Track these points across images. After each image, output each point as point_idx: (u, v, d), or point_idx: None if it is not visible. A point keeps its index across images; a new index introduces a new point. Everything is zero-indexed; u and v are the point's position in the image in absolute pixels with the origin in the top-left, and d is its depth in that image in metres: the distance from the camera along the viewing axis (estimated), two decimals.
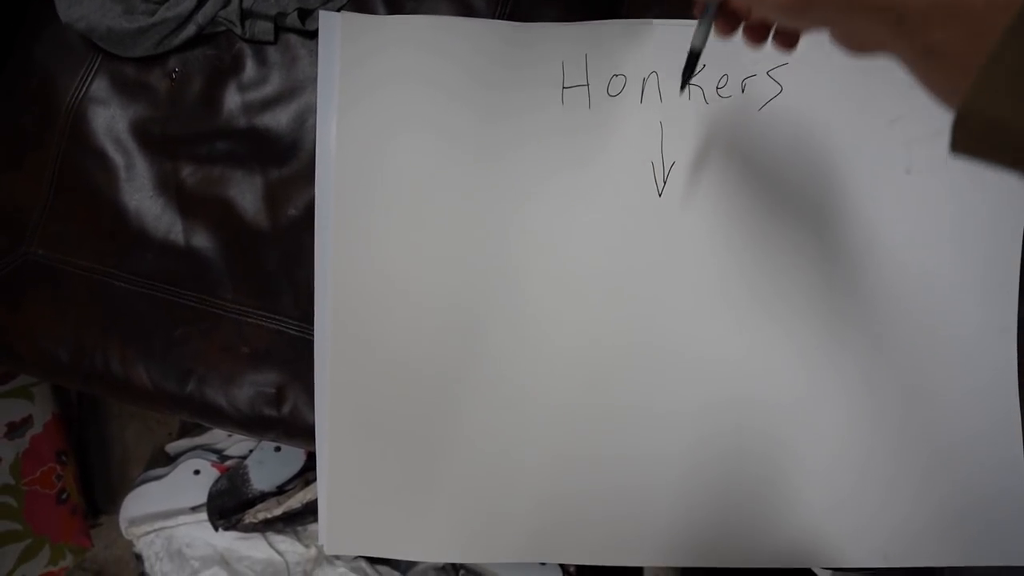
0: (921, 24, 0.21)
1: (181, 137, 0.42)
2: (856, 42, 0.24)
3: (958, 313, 0.40)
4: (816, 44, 0.41)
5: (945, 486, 0.39)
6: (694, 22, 0.42)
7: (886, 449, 0.39)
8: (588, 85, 0.40)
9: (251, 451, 0.66)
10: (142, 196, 0.41)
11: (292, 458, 0.64)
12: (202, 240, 0.41)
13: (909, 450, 0.39)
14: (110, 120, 0.42)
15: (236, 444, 0.67)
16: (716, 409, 0.39)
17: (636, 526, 0.39)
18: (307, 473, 0.65)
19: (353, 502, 0.39)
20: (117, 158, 0.42)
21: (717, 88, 0.41)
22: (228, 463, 0.66)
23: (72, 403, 0.70)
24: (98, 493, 0.72)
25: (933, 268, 0.40)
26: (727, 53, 0.41)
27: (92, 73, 0.42)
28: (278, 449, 0.64)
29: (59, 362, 0.41)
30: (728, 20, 0.30)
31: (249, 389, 0.41)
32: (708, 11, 0.31)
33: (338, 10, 0.41)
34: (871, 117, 0.40)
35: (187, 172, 0.42)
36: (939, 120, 0.43)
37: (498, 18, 0.42)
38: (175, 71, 0.42)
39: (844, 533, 0.39)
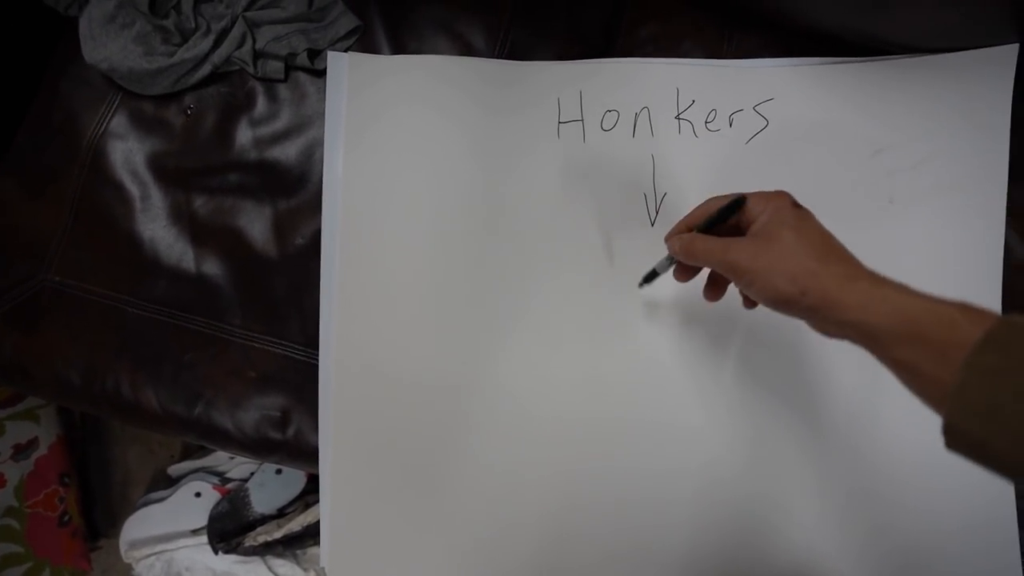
0: (890, 342, 0.25)
1: (194, 169, 0.44)
2: (831, 335, 0.28)
3: None
4: (799, 85, 0.43)
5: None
6: (680, 60, 0.45)
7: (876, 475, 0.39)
8: (583, 120, 0.42)
9: (252, 473, 0.66)
10: (156, 226, 0.43)
11: (293, 480, 0.65)
12: (212, 268, 0.43)
13: (894, 500, 0.39)
14: (128, 153, 0.44)
15: (238, 467, 0.67)
16: (700, 475, 0.40)
17: (634, 571, 0.39)
18: (307, 496, 0.65)
19: (356, 527, 0.40)
20: (134, 189, 0.43)
21: (706, 123, 0.43)
22: (229, 485, 0.66)
23: (76, 425, 0.71)
24: (99, 515, 0.72)
25: None
26: (716, 89, 0.43)
27: (113, 109, 0.44)
28: (279, 471, 0.64)
29: (71, 385, 0.43)
30: (687, 271, 0.35)
31: (255, 412, 0.42)
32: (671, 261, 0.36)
33: (345, 51, 0.44)
34: (854, 149, 0.42)
35: (199, 203, 0.43)
36: (920, 152, 0.45)
37: (497, 57, 0.44)
38: (190, 107, 0.44)
39: (839, 556, 0.39)
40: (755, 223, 0.30)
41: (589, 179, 0.42)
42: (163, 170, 0.44)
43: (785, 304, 0.29)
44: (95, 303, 0.43)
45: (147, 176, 0.44)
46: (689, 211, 0.34)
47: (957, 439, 0.23)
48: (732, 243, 0.30)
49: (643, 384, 0.40)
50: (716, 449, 0.40)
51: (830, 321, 0.27)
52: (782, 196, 0.30)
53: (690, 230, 0.33)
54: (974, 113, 0.41)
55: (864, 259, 0.41)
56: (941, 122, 0.41)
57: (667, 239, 0.34)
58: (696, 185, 0.42)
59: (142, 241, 0.43)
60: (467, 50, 0.44)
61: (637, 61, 0.44)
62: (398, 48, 0.44)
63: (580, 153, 0.42)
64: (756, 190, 0.32)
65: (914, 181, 0.42)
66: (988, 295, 0.41)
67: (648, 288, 0.39)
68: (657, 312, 0.41)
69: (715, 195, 0.33)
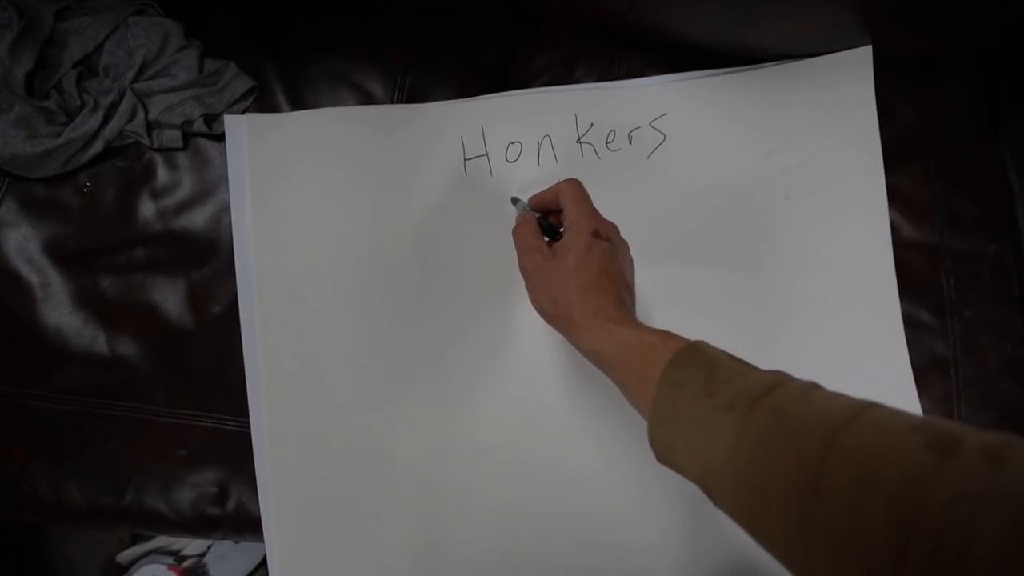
0: (610, 365, 0.30)
1: (97, 249, 0.42)
2: (583, 355, 0.33)
3: (850, 320, 0.43)
4: (688, 98, 0.45)
5: None
6: (575, 86, 0.47)
7: None
8: (488, 155, 0.43)
9: (210, 546, 0.64)
10: (61, 313, 0.41)
11: (253, 547, 0.62)
12: (128, 348, 0.41)
13: None
14: (21, 241, 0.42)
15: (193, 542, 0.64)
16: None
17: None
18: None
19: None
20: (32, 278, 0.41)
21: (607, 143, 0.45)
22: (186, 564, 0.63)
23: (9, 527, 0.66)
24: None
25: (821, 282, 0.44)
26: (612, 110, 0.45)
27: (0, 197, 0.42)
28: (237, 540, 0.62)
29: None
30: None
31: (190, 491, 0.41)
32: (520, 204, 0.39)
33: (243, 112, 0.43)
34: (746, 153, 0.45)
35: (107, 283, 0.42)
36: (804, 150, 0.48)
37: (396, 102, 0.45)
38: (86, 185, 0.43)
39: None
40: (561, 240, 0.34)
41: (500, 212, 0.43)
42: (63, 254, 0.42)
43: (543, 317, 0.34)
44: None
45: (45, 262, 0.42)
46: (551, 188, 0.37)
47: (656, 447, 0.27)
48: (533, 249, 0.34)
49: (567, 418, 0.41)
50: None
51: (573, 343, 0.32)
52: (587, 221, 0.34)
53: (544, 204, 0.37)
54: (844, 110, 0.45)
55: (769, 252, 0.44)
56: (818, 121, 0.45)
57: (530, 199, 0.38)
58: (605, 204, 0.43)
59: (47, 331, 0.41)
60: (366, 99, 0.45)
61: (534, 92, 0.46)
62: (297, 103, 0.44)
63: (488, 187, 0.43)
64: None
65: (804, 177, 0.45)
66: (882, 272, 0.44)
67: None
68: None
69: (573, 180, 0.36)
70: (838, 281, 0.44)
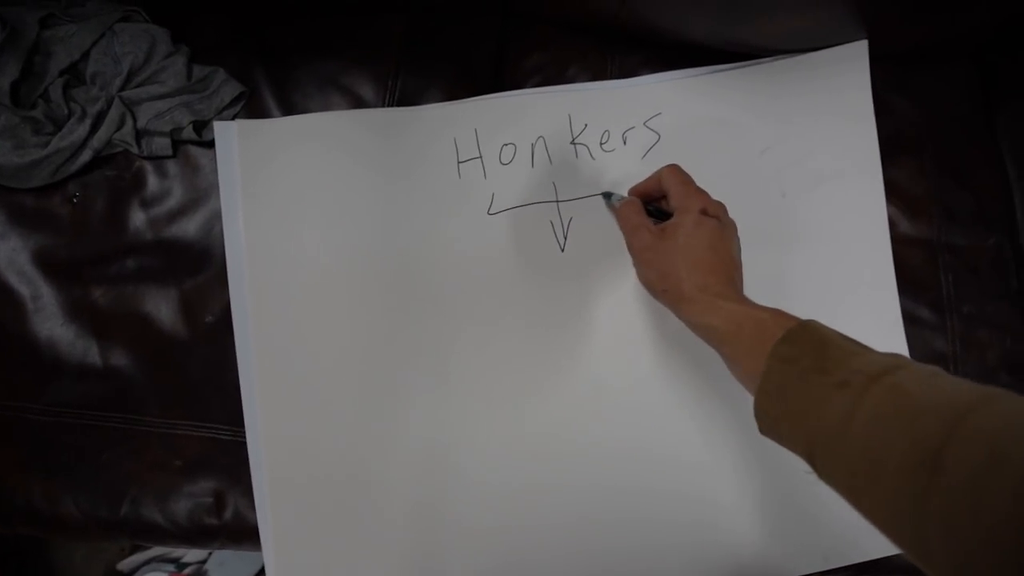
0: (720, 340, 0.31)
1: (88, 260, 0.42)
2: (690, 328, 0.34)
3: (849, 318, 0.42)
4: (682, 97, 0.45)
5: None
6: (569, 87, 0.46)
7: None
8: (481, 157, 0.43)
9: (210, 553, 0.63)
10: (53, 324, 0.41)
11: (254, 555, 0.62)
12: (121, 359, 0.41)
13: None
14: (11, 253, 0.41)
15: (193, 549, 0.64)
16: (643, 458, 0.40)
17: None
18: None
19: None
20: (22, 290, 0.41)
21: (601, 144, 0.44)
22: (187, 571, 0.63)
23: (10, 537, 0.66)
24: None
25: (820, 279, 0.44)
26: (606, 110, 0.44)
27: None
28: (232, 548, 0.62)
29: None
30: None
31: (187, 502, 0.41)
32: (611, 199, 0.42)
33: (233, 118, 0.43)
34: (743, 151, 0.44)
35: (98, 294, 0.41)
36: (800, 148, 0.48)
37: (387, 106, 0.44)
38: (76, 195, 0.42)
39: (784, 545, 0.40)
40: (670, 219, 0.35)
41: (495, 215, 0.42)
42: (53, 265, 0.41)
43: (650, 292, 0.36)
44: None
45: (35, 274, 0.41)
46: (651, 176, 0.39)
47: (761, 419, 0.28)
48: (641, 228, 0.36)
49: (576, 410, 0.41)
50: (654, 463, 0.40)
51: (681, 317, 0.34)
52: (695, 199, 0.35)
53: (647, 193, 0.39)
54: (841, 105, 0.44)
55: (769, 251, 0.44)
56: (813, 117, 0.44)
57: (630, 190, 0.40)
58: (600, 206, 0.43)
59: (39, 343, 0.40)
60: (357, 102, 0.44)
61: (527, 92, 0.45)
62: (287, 108, 0.44)
63: (483, 190, 0.42)
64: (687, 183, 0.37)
65: (800, 174, 0.44)
66: (881, 268, 0.44)
67: (560, 316, 0.41)
68: (579, 335, 0.41)
69: (674, 164, 0.38)
70: (836, 279, 0.44)
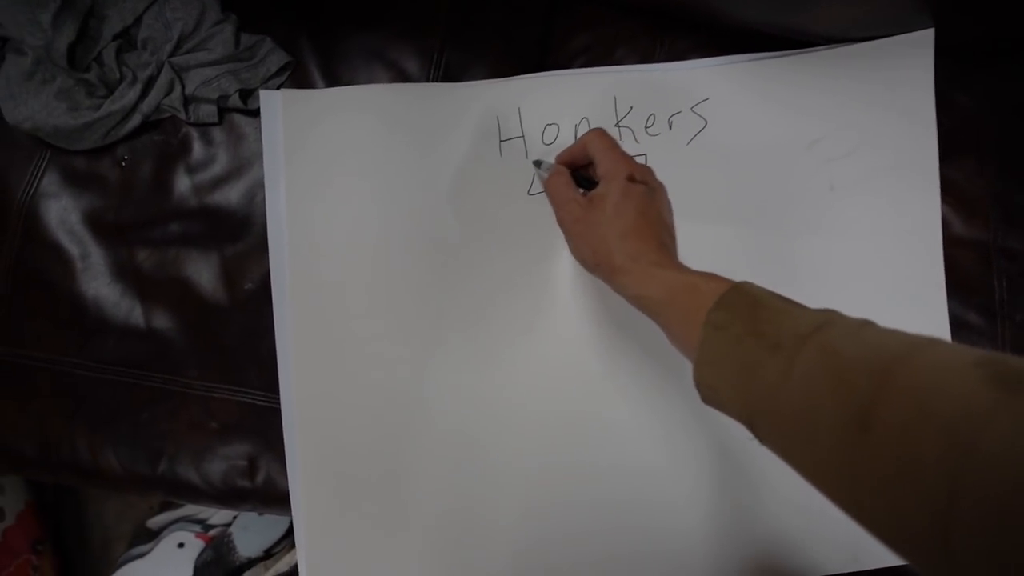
0: (655, 310, 0.30)
1: (134, 222, 0.43)
2: (628, 301, 0.33)
3: (893, 318, 0.41)
4: (732, 84, 0.44)
5: None
6: (615, 68, 0.45)
7: None
8: (524, 136, 0.42)
9: (235, 517, 0.65)
10: (99, 284, 0.42)
11: (277, 520, 0.64)
12: (163, 321, 0.42)
13: None
14: (63, 213, 0.43)
15: (219, 512, 0.66)
16: (689, 450, 0.40)
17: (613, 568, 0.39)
18: (293, 534, 0.64)
19: (334, 566, 0.39)
20: (72, 249, 0.42)
21: (646, 127, 0.43)
22: (212, 532, 0.65)
23: (48, 489, 0.69)
24: None
25: (865, 276, 0.42)
26: (652, 94, 0.43)
27: (42, 168, 0.43)
28: (263, 513, 0.63)
29: (24, 456, 0.41)
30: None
31: (221, 463, 0.42)
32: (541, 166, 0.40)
33: (278, 88, 0.43)
34: (791, 141, 0.43)
35: (143, 256, 0.42)
36: (853, 140, 0.46)
37: (432, 81, 0.44)
38: (124, 159, 0.43)
39: (814, 543, 0.40)
40: (596, 188, 0.34)
41: (535, 195, 0.42)
42: (102, 226, 0.43)
43: (585, 267, 0.35)
44: (41, 369, 0.41)
45: (85, 234, 0.42)
46: (576, 141, 0.37)
47: (701, 388, 0.27)
48: (569, 201, 0.35)
49: (610, 384, 0.40)
50: (686, 460, 0.40)
51: (618, 291, 0.32)
52: (620, 166, 0.34)
53: (573, 159, 0.37)
54: (900, 98, 0.42)
55: (813, 247, 0.43)
56: (870, 109, 0.42)
57: (557, 156, 0.39)
58: None
59: (86, 301, 0.42)
60: (401, 76, 0.44)
61: (572, 73, 0.44)
62: (331, 80, 0.44)
63: (523, 169, 0.42)
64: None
65: (851, 168, 0.43)
66: (930, 270, 0.43)
67: (603, 298, 0.40)
68: (614, 316, 0.41)
69: (599, 129, 0.36)
70: (882, 277, 0.42)
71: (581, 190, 0.36)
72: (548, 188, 0.37)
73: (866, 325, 0.23)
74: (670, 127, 0.43)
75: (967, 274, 0.43)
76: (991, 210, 0.44)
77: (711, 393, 0.27)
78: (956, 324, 0.42)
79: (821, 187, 0.43)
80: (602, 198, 0.33)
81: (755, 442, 0.25)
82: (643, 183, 0.33)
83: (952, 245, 0.43)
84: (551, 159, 0.40)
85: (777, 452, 0.24)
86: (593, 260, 0.33)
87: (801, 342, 0.23)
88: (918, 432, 0.19)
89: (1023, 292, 0.43)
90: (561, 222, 0.36)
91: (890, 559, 0.40)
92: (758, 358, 0.24)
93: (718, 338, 0.26)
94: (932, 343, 0.21)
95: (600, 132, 0.36)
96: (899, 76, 0.42)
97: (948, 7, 0.40)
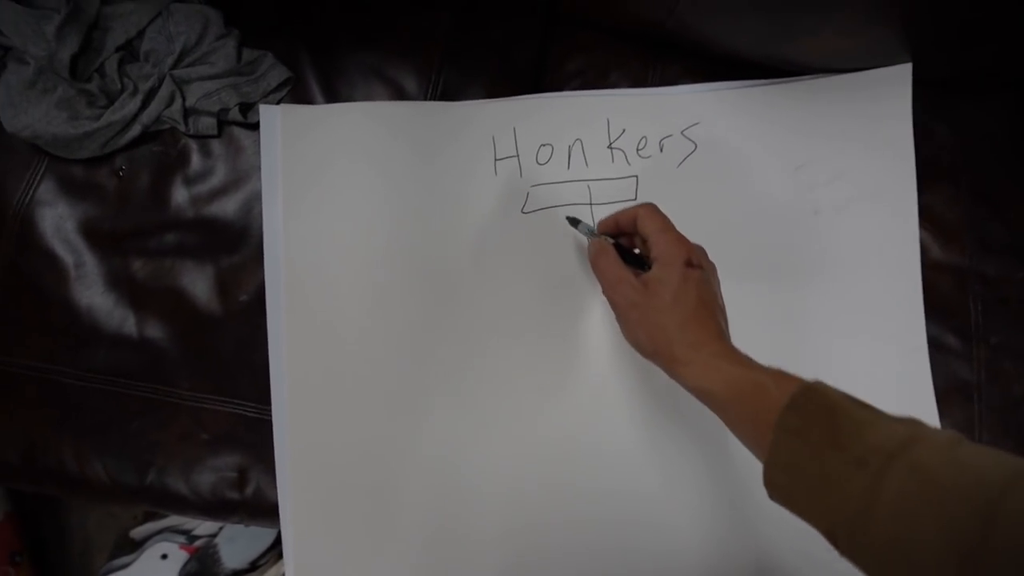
0: (720, 405, 0.30)
1: (130, 232, 0.43)
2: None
3: (874, 340, 0.43)
4: (721, 109, 0.45)
5: None
6: (608, 91, 0.47)
7: None
8: (518, 156, 0.43)
9: (221, 528, 0.65)
10: (93, 293, 0.42)
11: (263, 531, 0.63)
12: (155, 331, 0.42)
13: None
14: (58, 221, 0.43)
15: (204, 523, 0.65)
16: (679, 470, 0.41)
17: None
18: (280, 546, 0.63)
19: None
20: (66, 257, 0.42)
21: (638, 150, 0.45)
22: (197, 543, 0.64)
23: (27, 498, 0.68)
24: None
25: (847, 298, 0.44)
26: (644, 117, 0.45)
27: (39, 176, 0.43)
28: (248, 525, 0.63)
29: (9, 465, 0.41)
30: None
31: (210, 475, 0.41)
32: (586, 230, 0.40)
33: (278, 103, 0.44)
34: (777, 166, 0.45)
35: (137, 266, 0.43)
36: (835, 167, 0.48)
37: (429, 99, 0.45)
38: (122, 168, 0.44)
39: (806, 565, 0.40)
40: (650, 271, 0.33)
41: (529, 214, 0.43)
42: (97, 235, 0.43)
43: (640, 353, 0.34)
44: (29, 377, 0.41)
45: (80, 243, 0.42)
46: (625, 211, 0.36)
47: (774, 491, 0.27)
48: (622, 282, 0.34)
49: (597, 413, 0.41)
50: (678, 472, 0.41)
51: (676, 380, 0.32)
52: (679, 249, 0.33)
53: (618, 227, 0.37)
54: (880, 128, 0.44)
55: (795, 270, 0.44)
56: (851, 137, 0.44)
57: (600, 223, 0.38)
58: None
59: (79, 310, 0.42)
60: (399, 94, 0.45)
61: (567, 95, 0.46)
62: (331, 96, 0.44)
63: (518, 188, 0.43)
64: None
65: (833, 194, 0.44)
66: (909, 293, 0.44)
67: (601, 319, 0.41)
68: (604, 342, 0.42)
69: (651, 204, 0.35)
70: (863, 300, 0.43)
71: (634, 270, 0.34)
72: (596, 265, 0.35)
73: (958, 444, 0.23)
74: (661, 150, 0.45)
75: (944, 297, 0.45)
76: (967, 236, 0.46)
77: (785, 496, 0.26)
78: (934, 346, 0.43)
79: (806, 211, 0.44)
80: (660, 283, 0.32)
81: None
82: (699, 267, 0.33)
83: (930, 269, 0.44)
84: (588, 223, 0.39)
85: (864, 571, 0.23)
86: (651, 347, 0.32)
87: (888, 460, 0.23)
88: None
89: (996, 316, 0.44)
90: (614, 305, 0.34)
91: None
92: (841, 473, 0.23)
93: (792, 444, 0.25)
94: None
95: (653, 208, 0.34)
96: (878, 107, 0.44)
97: (926, 45, 0.42)
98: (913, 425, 0.24)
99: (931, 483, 0.22)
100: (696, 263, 0.33)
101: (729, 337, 0.32)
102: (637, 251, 0.37)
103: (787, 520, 0.26)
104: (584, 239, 0.40)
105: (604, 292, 0.35)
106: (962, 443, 0.23)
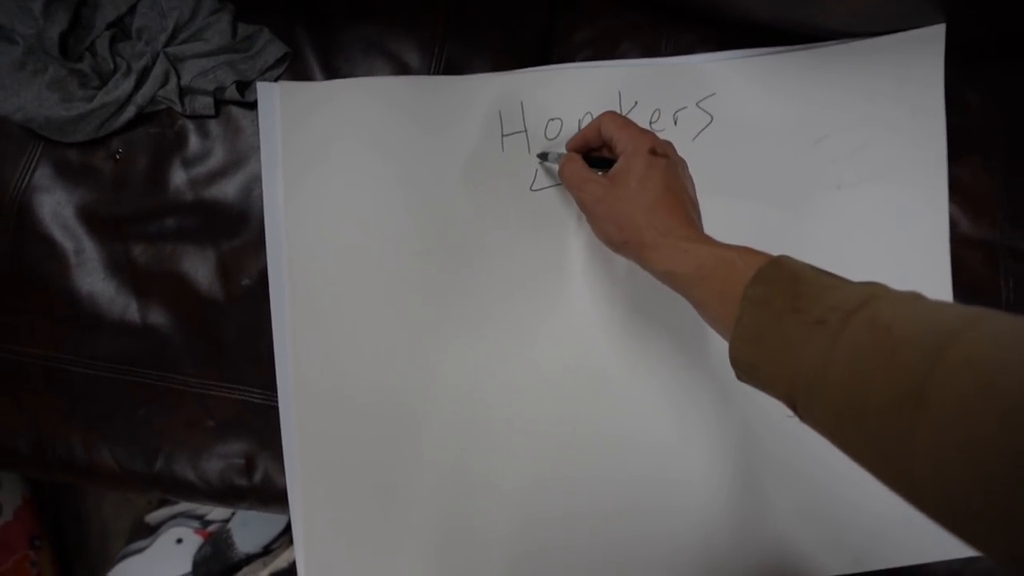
0: (687, 285, 0.29)
1: (129, 217, 0.42)
2: (657, 278, 0.32)
3: None
4: (738, 79, 0.43)
5: None
6: (619, 62, 0.45)
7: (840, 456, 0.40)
8: (526, 131, 0.42)
9: (234, 513, 0.65)
10: (94, 279, 0.41)
11: (276, 516, 0.63)
12: (158, 317, 0.41)
13: None
14: (56, 207, 0.42)
15: (217, 508, 0.65)
16: (685, 447, 0.40)
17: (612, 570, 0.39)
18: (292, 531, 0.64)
19: (332, 564, 0.39)
20: (66, 244, 0.41)
21: (651, 123, 0.43)
22: (211, 528, 0.65)
23: (46, 484, 0.68)
24: (78, 574, 0.70)
25: (871, 276, 0.42)
26: (657, 88, 0.43)
27: (35, 161, 0.42)
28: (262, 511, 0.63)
29: (19, 453, 0.41)
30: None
31: (218, 461, 0.41)
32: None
33: (276, 79, 0.42)
34: (798, 138, 0.42)
35: (138, 251, 0.42)
36: (860, 137, 0.45)
37: (433, 73, 0.43)
38: (119, 151, 0.42)
39: (815, 546, 0.40)
40: (615, 165, 0.33)
41: (538, 191, 0.41)
42: (96, 220, 0.42)
43: (610, 247, 0.34)
44: (35, 366, 0.41)
45: (79, 228, 0.42)
46: (588, 125, 0.36)
47: (738, 365, 0.26)
48: (587, 181, 0.34)
49: (611, 392, 0.40)
50: (691, 457, 0.40)
51: (646, 267, 0.31)
52: (641, 140, 0.33)
53: (586, 143, 0.37)
54: (909, 95, 0.42)
55: (819, 244, 0.42)
56: (878, 105, 0.42)
57: (568, 143, 0.38)
58: None
59: (80, 297, 0.41)
60: (402, 69, 0.43)
61: (576, 66, 0.43)
62: (330, 72, 0.43)
63: (526, 165, 0.41)
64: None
65: (858, 166, 0.42)
66: (937, 269, 0.42)
67: (612, 292, 0.40)
68: (619, 315, 0.41)
69: (610, 110, 0.36)
70: (888, 276, 0.41)
71: (598, 171, 0.35)
72: (562, 173, 0.35)
73: (917, 299, 0.22)
74: (675, 123, 0.43)
75: (974, 274, 0.43)
76: (998, 210, 0.43)
77: (749, 370, 0.26)
78: None
79: (828, 185, 0.42)
80: (625, 173, 0.32)
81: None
82: (665, 156, 0.32)
83: (959, 244, 0.42)
84: (557, 150, 0.39)
85: (820, 431, 0.23)
86: (619, 237, 0.32)
87: (846, 317, 0.22)
88: (977, 408, 0.18)
89: None
90: (582, 204, 0.34)
91: (892, 561, 0.40)
92: (801, 334, 0.23)
93: (757, 314, 0.25)
94: (987, 315, 0.20)
95: (612, 113, 0.35)
96: (908, 72, 0.41)
97: (959, 2, 0.39)
98: (874, 286, 0.24)
99: (884, 332, 0.21)
100: (661, 152, 0.33)
101: (700, 226, 0.32)
102: (607, 157, 0.36)
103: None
104: (554, 169, 0.39)
105: (575, 199, 0.35)
106: (921, 298, 0.23)
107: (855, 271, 0.41)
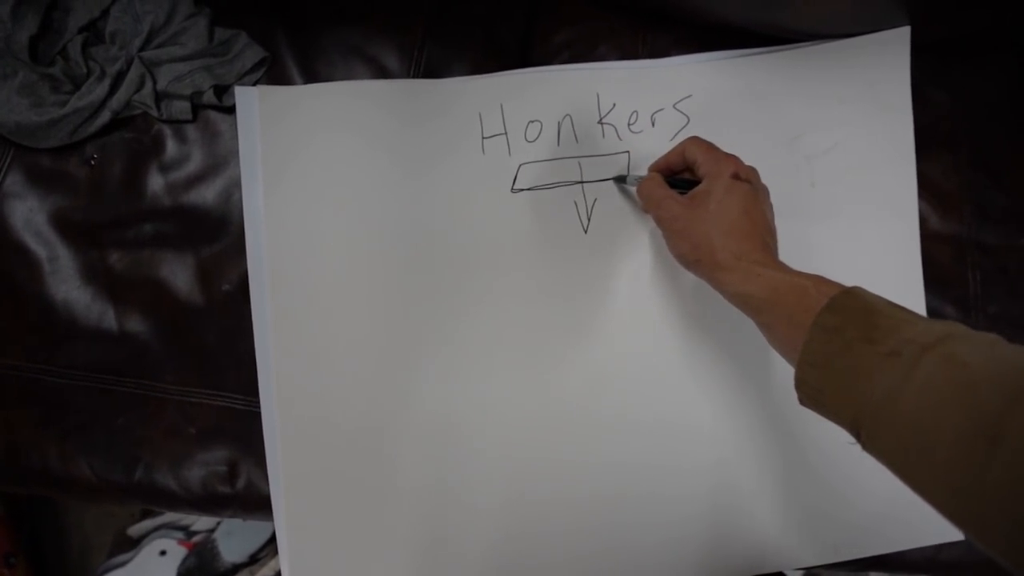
0: (757, 309, 0.30)
1: (105, 223, 0.41)
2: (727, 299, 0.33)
3: None
4: (714, 80, 0.44)
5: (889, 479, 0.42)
6: (597, 64, 0.45)
7: (822, 450, 0.41)
8: (506, 133, 0.42)
9: (219, 523, 0.64)
10: (69, 287, 0.40)
11: (261, 525, 0.63)
12: (137, 324, 0.41)
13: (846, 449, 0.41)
14: (28, 214, 0.41)
15: (202, 518, 0.65)
16: (662, 443, 0.40)
17: (594, 560, 0.39)
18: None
19: (318, 570, 0.39)
20: (39, 251, 0.41)
21: (629, 125, 0.43)
22: (195, 539, 0.64)
23: (22, 498, 0.67)
24: None
25: (846, 272, 0.43)
26: (635, 91, 0.43)
27: (5, 167, 0.41)
28: (246, 519, 0.62)
29: None
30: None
31: (200, 469, 0.41)
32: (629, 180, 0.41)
33: (254, 84, 0.42)
34: (773, 138, 0.43)
35: (115, 258, 0.41)
36: (832, 136, 0.47)
37: (412, 77, 0.43)
38: (94, 157, 0.42)
39: (794, 536, 0.40)
40: (697, 186, 0.34)
41: (518, 192, 0.41)
42: (70, 227, 0.41)
43: (683, 264, 0.35)
44: (8, 376, 0.40)
45: (52, 235, 0.41)
46: (672, 149, 0.38)
47: (803, 389, 0.27)
48: (667, 200, 0.35)
49: (591, 387, 0.40)
50: (674, 444, 0.40)
51: (717, 288, 0.32)
52: (725, 164, 0.34)
53: (669, 168, 0.38)
54: (878, 94, 0.43)
55: (795, 241, 0.42)
56: (849, 105, 0.43)
57: (650, 167, 0.39)
58: (625, 188, 0.42)
59: (54, 305, 0.40)
60: (381, 73, 0.43)
61: (555, 69, 0.44)
62: (309, 77, 0.43)
63: (506, 167, 0.42)
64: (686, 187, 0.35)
65: (831, 164, 0.43)
66: (908, 265, 0.43)
67: (589, 301, 0.40)
68: (600, 317, 0.41)
69: (695, 136, 0.36)
70: (862, 272, 0.42)
71: (678, 191, 0.35)
72: (641, 191, 0.36)
73: (996, 342, 0.23)
74: (653, 124, 0.43)
75: (943, 268, 0.44)
76: (965, 205, 0.45)
77: (814, 395, 0.26)
78: (933, 316, 0.43)
79: (802, 184, 0.43)
80: (705, 194, 0.33)
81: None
82: (747, 181, 0.33)
83: (928, 239, 0.44)
84: (636, 173, 0.40)
85: (884, 460, 0.23)
86: (693, 256, 0.33)
87: (922, 351, 0.22)
88: None
89: (995, 285, 0.44)
90: (659, 221, 0.35)
91: (868, 550, 0.41)
92: (872, 364, 0.23)
93: (827, 340, 0.25)
94: None
95: (697, 137, 0.36)
96: (876, 73, 0.43)
97: (922, 6, 0.41)
98: (953, 325, 0.24)
99: (962, 369, 0.21)
100: (744, 178, 0.33)
101: (776, 252, 0.32)
102: (689, 179, 0.37)
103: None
104: (633, 191, 0.40)
105: (653, 216, 0.36)
106: (1002, 342, 0.23)
107: (829, 267, 0.42)
